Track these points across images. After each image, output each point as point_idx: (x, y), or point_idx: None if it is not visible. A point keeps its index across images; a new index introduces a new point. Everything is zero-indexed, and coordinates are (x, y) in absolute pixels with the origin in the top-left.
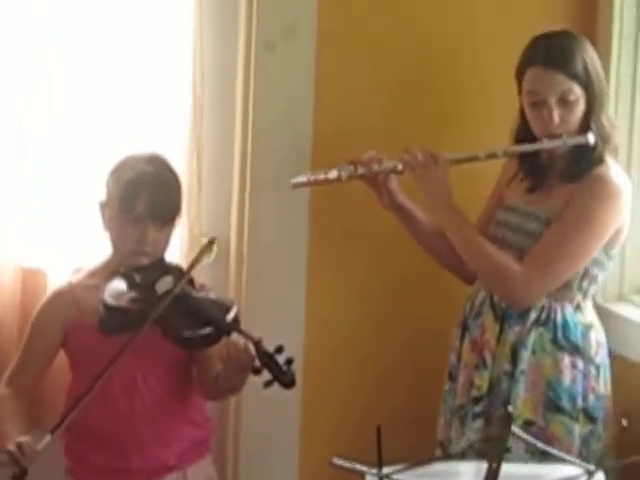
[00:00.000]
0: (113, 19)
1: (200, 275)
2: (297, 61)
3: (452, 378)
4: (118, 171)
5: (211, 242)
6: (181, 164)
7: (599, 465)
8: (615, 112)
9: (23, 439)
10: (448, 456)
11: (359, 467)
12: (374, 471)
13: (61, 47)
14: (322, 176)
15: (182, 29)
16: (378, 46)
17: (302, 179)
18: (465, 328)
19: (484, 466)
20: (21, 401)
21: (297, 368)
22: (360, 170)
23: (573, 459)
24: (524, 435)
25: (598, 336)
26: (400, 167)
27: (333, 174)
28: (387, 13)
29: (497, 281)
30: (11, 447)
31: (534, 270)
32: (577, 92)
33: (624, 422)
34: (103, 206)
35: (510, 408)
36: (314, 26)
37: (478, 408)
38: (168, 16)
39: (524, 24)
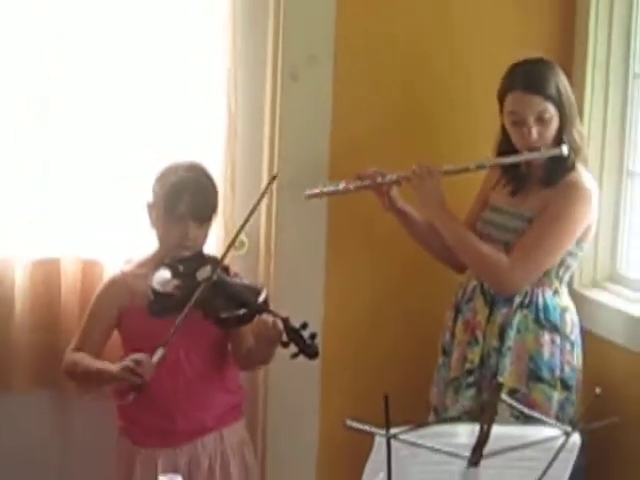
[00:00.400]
0: (161, 47)
1: (235, 266)
2: (317, 87)
3: (445, 353)
4: (163, 177)
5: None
6: (218, 172)
7: (575, 427)
8: (588, 129)
9: (138, 356)
10: (449, 419)
11: (369, 429)
12: (382, 432)
13: (115, 71)
14: (332, 188)
15: (220, 59)
16: (387, 73)
17: (315, 191)
18: (458, 311)
19: (477, 428)
20: None
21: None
22: (365, 182)
23: (553, 422)
24: (512, 402)
25: (573, 317)
26: (400, 179)
27: (342, 186)
28: (394, 45)
29: (487, 271)
30: (129, 363)
31: (519, 262)
32: (551, 111)
33: (597, 390)
34: (150, 207)
35: (500, 379)
36: (331, 56)
37: (471, 379)
38: (208, 48)
39: (511, 53)
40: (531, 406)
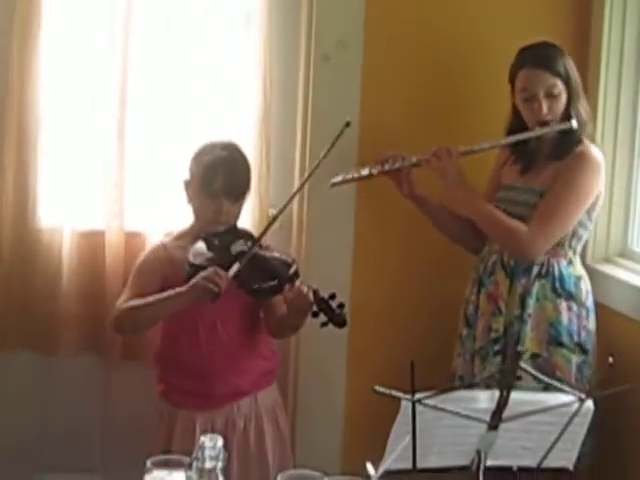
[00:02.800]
0: (202, 33)
1: (269, 239)
2: (348, 69)
3: (469, 325)
4: (199, 155)
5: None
6: (254, 151)
7: (589, 394)
8: (603, 111)
9: (215, 268)
10: (469, 385)
11: (396, 394)
12: (408, 397)
13: (162, 57)
14: (356, 174)
15: (256, 44)
16: (414, 56)
17: (339, 178)
18: (480, 284)
19: (497, 393)
20: None
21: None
22: (386, 166)
23: (569, 389)
24: (529, 368)
25: (586, 285)
26: (420, 160)
27: (365, 172)
28: (422, 31)
29: (509, 240)
30: (207, 274)
31: (537, 230)
32: (560, 86)
33: (610, 360)
34: (187, 184)
35: (519, 348)
36: (361, 40)
37: (497, 347)
38: (245, 33)
39: (533, 39)
40: (552, 369)
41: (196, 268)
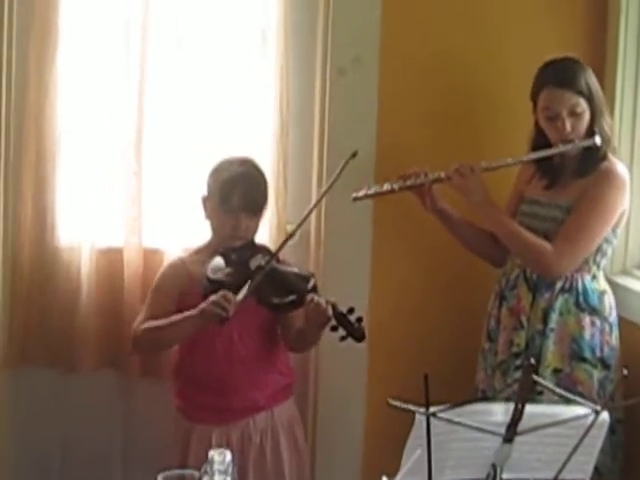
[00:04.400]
0: (219, 48)
1: (287, 254)
2: (364, 84)
3: (491, 339)
4: (217, 172)
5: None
6: (271, 166)
7: (604, 406)
8: (620, 126)
9: (224, 292)
10: (483, 398)
11: (410, 407)
12: (422, 410)
13: (178, 73)
14: (378, 189)
15: (273, 60)
16: (430, 71)
17: (361, 193)
18: (502, 298)
19: (512, 406)
20: None
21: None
22: (409, 182)
23: (583, 401)
24: (542, 381)
25: (610, 300)
26: (442, 176)
27: (387, 187)
28: (436, 48)
29: (534, 259)
30: (216, 298)
31: (564, 249)
32: (583, 105)
33: (625, 372)
34: (205, 200)
35: (532, 360)
36: (377, 55)
37: (518, 361)
38: (262, 48)
39: (547, 55)
40: (574, 384)
41: (214, 283)
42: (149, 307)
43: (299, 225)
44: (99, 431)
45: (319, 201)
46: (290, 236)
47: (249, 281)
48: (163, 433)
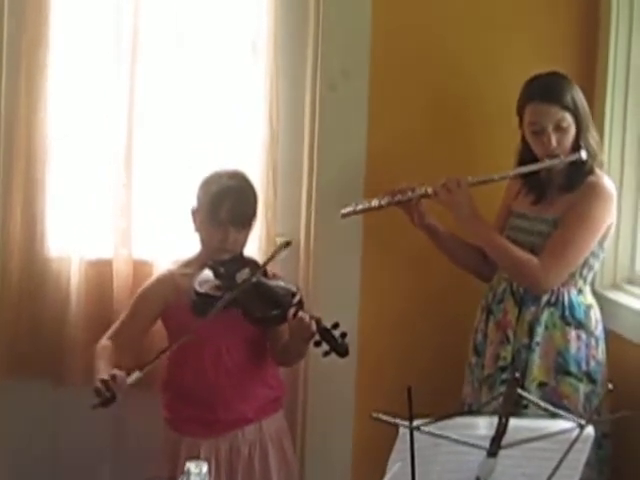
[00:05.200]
0: (209, 67)
1: (275, 266)
2: (354, 98)
3: (478, 353)
4: (206, 184)
5: (288, 243)
6: (261, 178)
7: (589, 420)
8: (609, 140)
9: (117, 372)
10: (467, 412)
11: (393, 420)
12: (406, 423)
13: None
14: (366, 205)
15: (261, 72)
16: (420, 86)
17: (349, 209)
18: (489, 312)
19: (496, 420)
20: (115, 354)
21: (352, 341)
22: (397, 198)
23: (568, 415)
24: (527, 395)
25: (596, 314)
26: (429, 191)
27: (375, 202)
28: (427, 60)
29: (521, 273)
30: (105, 376)
31: (550, 262)
32: (568, 119)
33: (610, 386)
34: (194, 212)
35: (517, 374)
36: (367, 69)
37: (504, 375)
38: (252, 62)
39: (533, 70)
40: (559, 398)
41: (201, 296)
42: (122, 322)
43: (269, 259)
44: (89, 442)
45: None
46: (278, 250)
47: (137, 371)
48: (153, 444)
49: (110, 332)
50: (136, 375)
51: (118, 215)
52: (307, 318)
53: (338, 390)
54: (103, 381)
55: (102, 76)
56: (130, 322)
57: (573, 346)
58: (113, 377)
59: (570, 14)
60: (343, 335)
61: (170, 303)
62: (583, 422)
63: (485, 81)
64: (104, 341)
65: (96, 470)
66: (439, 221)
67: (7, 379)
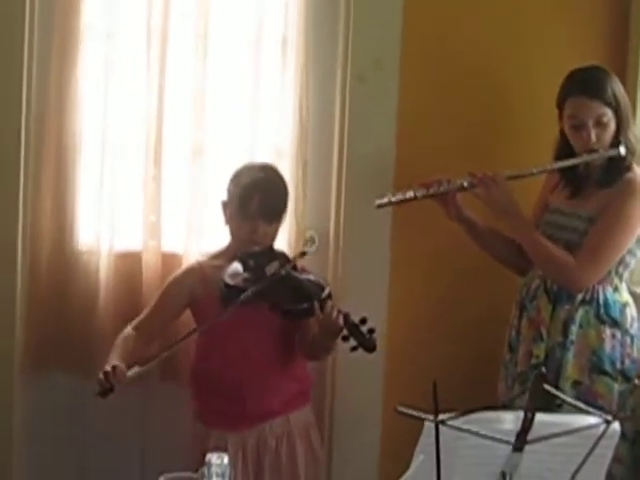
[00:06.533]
0: (240, 62)
1: (304, 260)
2: (384, 90)
3: (512, 349)
4: (237, 177)
5: (312, 238)
6: (291, 172)
7: (615, 416)
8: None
9: (118, 364)
10: (492, 407)
11: (419, 414)
12: (431, 417)
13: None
14: (401, 196)
15: (292, 66)
16: (452, 76)
17: (384, 200)
18: (523, 309)
19: (522, 415)
20: (137, 344)
21: (380, 337)
22: (431, 190)
23: (595, 411)
24: (554, 391)
25: (632, 312)
26: (466, 185)
27: (410, 194)
28: (458, 52)
29: (558, 272)
30: (107, 368)
31: (587, 261)
32: (609, 115)
33: (637, 381)
34: (225, 205)
35: (543, 369)
36: (398, 61)
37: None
38: (282, 54)
39: (569, 63)
40: (594, 397)
41: (230, 288)
42: (151, 310)
43: (299, 253)
44: (118, 435)
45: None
46: (303, 254)
47: (136, 366)
48: (182, 437)
49: (136, 322)
50: (135, 370)
51: (148, 207)
52: (335, 313)
53: (366, 384)
54: (104, 372)
55: (132, 69)
56: (156, 312)
57: (608, 345)
58: (114, 369)
59: (603, 8)
60: (371, 331)
61: (198, 295)
62: (609, 418)
63: (519, 72)
64: (127, 330)
65: (125, 462)
66: (475, 214)
67: (36, 372)
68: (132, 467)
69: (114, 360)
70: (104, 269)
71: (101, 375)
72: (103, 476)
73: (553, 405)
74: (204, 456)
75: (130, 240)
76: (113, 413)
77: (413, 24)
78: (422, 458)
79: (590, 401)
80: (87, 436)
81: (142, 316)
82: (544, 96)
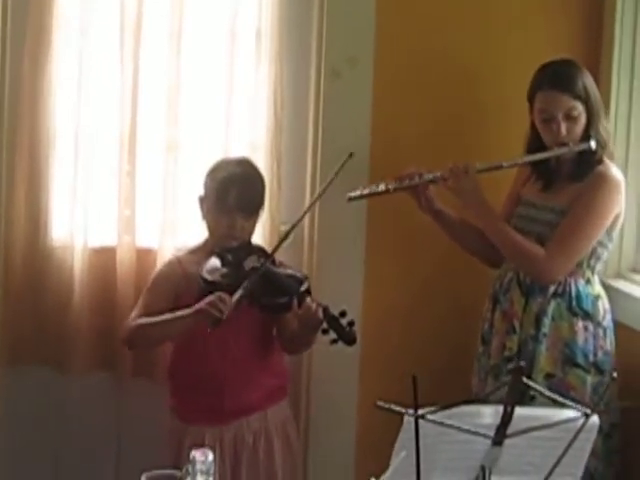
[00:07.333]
0: (214, 55)
1: (280, 255)
2: (358, 85)
3: (485, 342)
4: (214, 171)
5: (287, 233)
6: (265, 167)
7: (594, 409)
8: (614, 127)
9: (220, 293)
10: (472, 400)
11: (398, 409)
12: (411, 412)
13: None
14: (373, 189)
15: (266, 60)
16: (425, 72)
17: (356, 193)
18: (496, 301)
19: (501, 409)
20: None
21: (356, 329)
22: (404, 183)
23: (574, 404)
24: (533, 384)
25: (604, 304)
26: (437, 177)
27: (382, 187)
28: (430, 48)
29: (527, 264)
30: (212, 298)
31: (557, 253)
32: (579, 108)
33: (614, 374)
34: (202, 200)
35: (522, 363)
36: (372, 56)
37: (510, 365)
38: (256, 49)
39: (542, 56)
40: (567, 389)
41: (209, 284)
42: (144, 303)
43: (294, 225)
44: (92, 430)
45: (314, 202)
46: (286, 237)
47: (244, 282)
48: (156, 433)
49: (134, 315)
50: (240, 292)
51: (122, 203)
52: (314, 306)
53: (342, 379)
54: (211, 303)
55: (105, 65)
56: (151, 303)
57: (580, 337)
58: (220, 298)
59: (575, 1)
60: (350, 323)
61: (181, 290)
62: (588, 411)
63: (492, 66)
64: (138, 320)
65: (100, 458)
66: (448, 206)
67: (11, 367)
68: (108, 462)
69: (173, 314)
70: (78, 264)
71: (209, 308)
72: (78, 472)
73: (526, 397)
74: (181, 452)
75: (104, 235)
76: (88, 408)
77: (386, 21)
78: (404, 454)
79: (563, 393)
80: (62, 431)
81: (137, 311)
82: (517, 89)
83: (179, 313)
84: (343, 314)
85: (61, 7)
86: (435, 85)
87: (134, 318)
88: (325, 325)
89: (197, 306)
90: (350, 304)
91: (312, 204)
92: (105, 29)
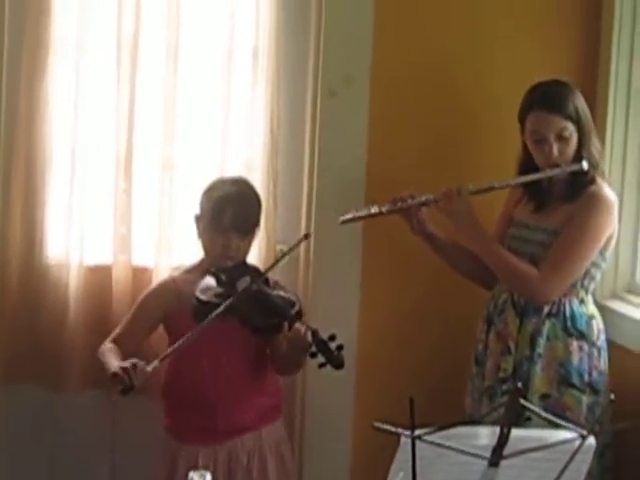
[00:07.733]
0: (210, 74)
1: (276, 275)
2: (355, 105)
3: (479, 363)
4: (210, 191)
5: (284, 253)
6: (261, 186)
7: (591, 431)
8: (611, 148)
9: (137, 361)
10: (469, 422)
11: (395, 430)
12: (407, 433)
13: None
14: (366, 212)
15: (262, 79)
16: (422, 92)
17: (348, 216)
18: (490, 322)
19: (498, 430)
20: (119, 355)
21: (350, 351)
22: (397, 205)
23: (570, 425)
24: (529, 405)
25: (599, 324)
26: (430, 199)
27: (375, 209)
28: (429, 66)
29: (521, 285)
30: (126, 364)
31: (550, 274)
32: (570, 129)
33: (612, 396)
34: (198, 219)
35: (520, 384)
36: (368, 75)
37: (505, 386)
38: (252, 69)
39: (537, 78)
40: (562, 409)
41: (201, 303)
42: (124, 326)
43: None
44: (87, 448)
45: (271, 268)
46: (281, 258)
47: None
48: (150, 451)
49: (113, 335)
50: (155, 364)
51: (118, 221)
52: (303, 329)
53: (337, 400)
54: (123, 368)
55: (102, 82)
56: (131, 327)
57: (575, 357)
58: (133, 365)
59: (572, 21)
60: (339, 347)
61: (172, 309)
62: (585, 433)
63: (488, 87)
64: (108, 344)
65: (95, 476)
66: (440, 229)
67: (6, 385)
68: None
69: (118, 360)
70: (74, 282)
71: (119, 372)
72: None
73: (522, 419)
74: (173, 472)
75: (100, 254)
76: (82, 426)
77: (383, 41)
78: (402, 475)
79: (559, 414)
80: (56, 450)
81: (118, 330)
82: (514, 108)
83: (111, 362)
84: (332, 338)
85: (58, 25)
86: (431, 104)
87: (109, 340)
88: (314, 348)
89: (113, 369)
90: (346, 325)
91: (267, 270)
92: (102, 47)
